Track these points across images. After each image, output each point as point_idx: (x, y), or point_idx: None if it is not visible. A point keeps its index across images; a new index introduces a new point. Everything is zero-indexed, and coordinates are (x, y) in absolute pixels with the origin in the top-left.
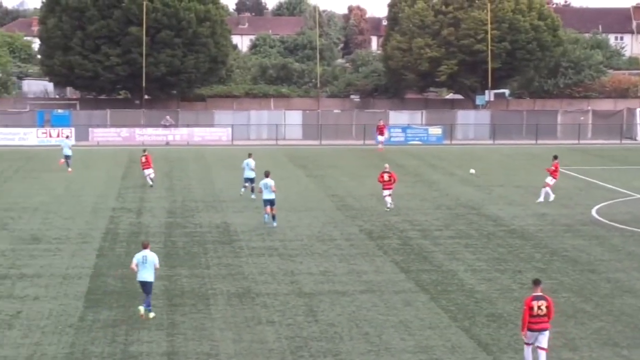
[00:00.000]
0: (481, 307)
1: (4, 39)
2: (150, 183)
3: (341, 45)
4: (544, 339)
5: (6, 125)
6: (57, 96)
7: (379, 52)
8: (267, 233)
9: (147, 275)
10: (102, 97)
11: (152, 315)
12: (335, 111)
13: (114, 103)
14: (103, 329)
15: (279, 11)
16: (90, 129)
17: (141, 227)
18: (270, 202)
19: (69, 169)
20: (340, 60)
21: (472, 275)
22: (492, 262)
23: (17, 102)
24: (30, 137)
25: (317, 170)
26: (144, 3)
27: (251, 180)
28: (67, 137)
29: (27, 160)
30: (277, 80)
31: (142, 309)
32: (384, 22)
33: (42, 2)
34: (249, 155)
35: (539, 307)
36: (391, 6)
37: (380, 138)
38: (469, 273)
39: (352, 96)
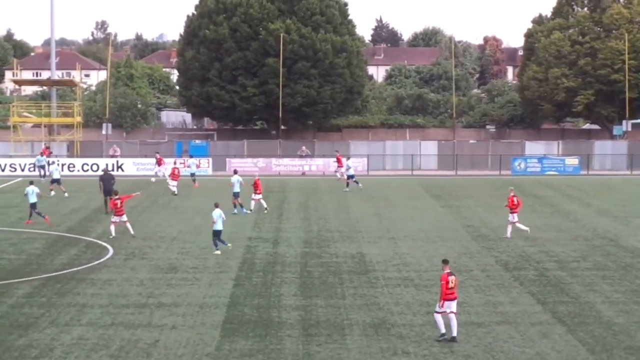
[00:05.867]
0: (619, 340)
1: (143, 71)
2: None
3: (477, 75)
4: (454, 305)
5: (145, 156)
6: (195, 127)
7: (514, 82)
8: (402, 264)
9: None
10: (239, 127)
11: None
12: (471, 141)
13: (250, 133)
14: (239, 358)
15: (414, 42)
16: (227, 159)
17: (277, 256)
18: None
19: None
20: (475, 91)
21: (610, 307)
22: (630, 294)
23: (155, 132)
24: (168, 167)
25: (452, 201)
26: (281, 35)
27: (351, 176)
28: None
29: (166, 190)
30: (413, 110)
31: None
32: (520, 52)
33: (181, 35)
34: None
35: (452, 282)
36: (527, 36)
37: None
38: (606, 305)
39: (487, 126)
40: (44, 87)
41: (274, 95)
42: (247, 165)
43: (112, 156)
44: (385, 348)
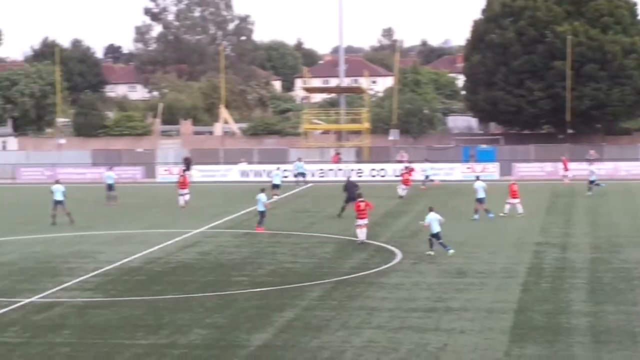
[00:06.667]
0: None
1: (429, 76)
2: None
3: None
4: None
5: (429, 161)
6: (481, 131)
7: None
8: None
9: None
10: (525, 131)
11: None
12: None
13: (537, 138)
14: None
15: None
16: (513, 164)
17: (565, 262)
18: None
19: None
20: None
21: None
22: None
23: (442, 137)
24: (455, 172)
25: None
26: (569, 37)
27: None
28: None
29: (453, 195)
30: None
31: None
32: None
33: (467, 40)
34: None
35: None
36: None
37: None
38: None
39: None
40: (333, 94)
41: (561, 98)
42: (534, 169)
43: (400, 161)
44: None
